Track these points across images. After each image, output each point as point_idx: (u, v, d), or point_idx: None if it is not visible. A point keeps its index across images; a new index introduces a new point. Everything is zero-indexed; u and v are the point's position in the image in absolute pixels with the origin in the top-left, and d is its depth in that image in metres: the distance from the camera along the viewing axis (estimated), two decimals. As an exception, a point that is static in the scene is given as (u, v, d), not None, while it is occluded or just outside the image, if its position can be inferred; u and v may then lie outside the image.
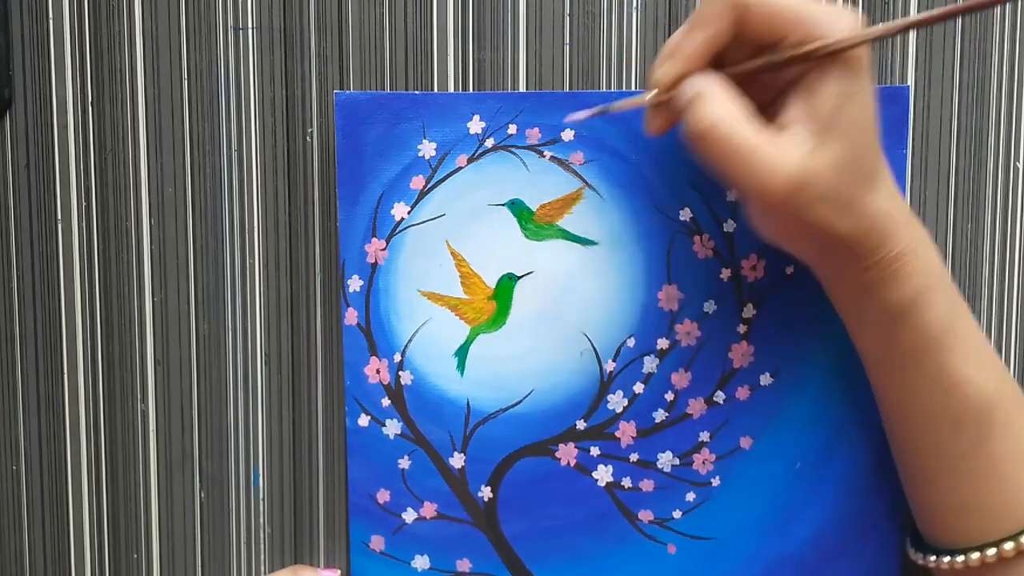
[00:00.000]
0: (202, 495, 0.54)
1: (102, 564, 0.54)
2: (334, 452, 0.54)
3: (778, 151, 0.41)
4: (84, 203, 0.53)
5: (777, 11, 0.43)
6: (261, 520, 0.54)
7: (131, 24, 0.52)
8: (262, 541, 0.54)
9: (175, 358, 0.53)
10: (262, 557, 0.54)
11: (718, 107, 0.42)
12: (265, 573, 0.54)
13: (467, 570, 0.53)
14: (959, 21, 0.52)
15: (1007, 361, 0.53)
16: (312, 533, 0.54)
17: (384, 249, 0.52)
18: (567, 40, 0.51)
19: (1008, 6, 0.51)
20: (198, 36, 0.52)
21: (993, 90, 0.52)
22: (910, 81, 0.52)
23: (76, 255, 0.53)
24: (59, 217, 0.53)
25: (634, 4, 0.51)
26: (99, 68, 0.52)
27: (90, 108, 0.53)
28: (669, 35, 0.51)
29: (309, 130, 0.52)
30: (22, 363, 0.54)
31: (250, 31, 0.52)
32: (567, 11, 0.51)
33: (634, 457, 0.52)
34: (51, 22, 0.52)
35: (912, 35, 0.52)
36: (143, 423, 0.54)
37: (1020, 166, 0.52)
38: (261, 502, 0.54)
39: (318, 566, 0.54)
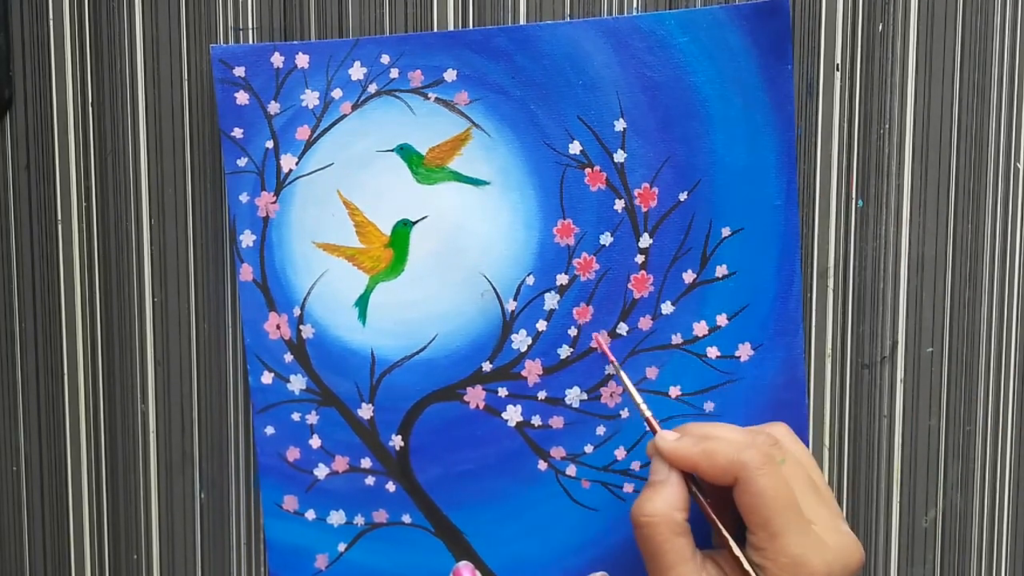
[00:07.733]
0: (202, 496, 0.54)
1: (102, 564, 0.54)
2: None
3: None
4: (84, 203, 0.53)
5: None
6: (261, 521, 0.54)
7: (131, 24, 0.52)
8: (262, 542, 0.54)
9: (175, 358, 0.53)
10: (262, 558, 0.54)
11: (663, 505, 0.45)
12: (265, 574, 0.54)
13: (384, 521, 0.52)
14: (960, 19, 0.52)
15: (1007, 362, 0.53)
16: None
17: (275, 202, 0.51)
18: (567, 40, 0.51)
19: (1009, 3, 0.51)
20: (198, 36, 0.52)
21: (994, 90, 0.52)
22: (911, 82, 0.52)
23: (76, 255, 0.53)
24: (59, 217, 0.53)
25: (634, 4, 0.51)
26: (99, 68, 0.52)
27: (90, 108, 0.53)
28: (669, 35, 0.51)
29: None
30: (22, 363, 0.54)
31: (250, 31, 0.52)
32: (567, 12, 0.51)
33: (542, 395, 0.52)
34: (51, 22, 0.52)
35: (912, 36, 0.52)
36: (143, 424, 0.54)
37: (1021, 167, 0.52)
38: (262, 503, 0.53)
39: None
